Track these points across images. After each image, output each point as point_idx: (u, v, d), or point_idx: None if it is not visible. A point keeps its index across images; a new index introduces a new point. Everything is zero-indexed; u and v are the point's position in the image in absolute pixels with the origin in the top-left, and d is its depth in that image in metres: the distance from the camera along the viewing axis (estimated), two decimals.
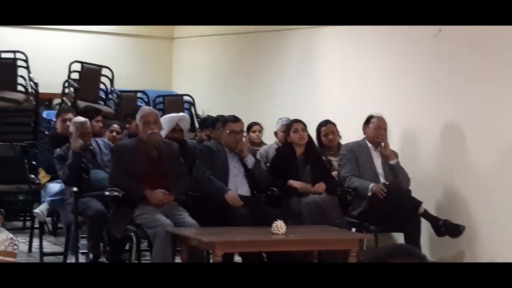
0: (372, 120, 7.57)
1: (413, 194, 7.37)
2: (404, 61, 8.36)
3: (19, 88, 10.54)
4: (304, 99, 9.75)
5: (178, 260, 6.58)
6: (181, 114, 8.72)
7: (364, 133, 7.66)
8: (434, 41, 7.91)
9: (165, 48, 12.95)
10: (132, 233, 6.63)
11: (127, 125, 8.42)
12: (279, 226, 6.27)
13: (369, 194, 7.23)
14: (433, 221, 7.25)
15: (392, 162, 7.53)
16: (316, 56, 9.83)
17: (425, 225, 7.28)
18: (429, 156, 7.95)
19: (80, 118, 7.56)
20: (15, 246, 5.61)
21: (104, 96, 11.26)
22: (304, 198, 7.14)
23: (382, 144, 7.54)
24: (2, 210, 5.93)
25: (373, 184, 7.28)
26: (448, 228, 7.16)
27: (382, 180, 7.41)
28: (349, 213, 7.40)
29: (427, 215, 7.26)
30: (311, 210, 7.03)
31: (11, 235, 5.64)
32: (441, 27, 7.74)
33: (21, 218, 9.48)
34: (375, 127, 7.54)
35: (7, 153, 9.13)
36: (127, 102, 10.96)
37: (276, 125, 8.73)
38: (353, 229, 7.34)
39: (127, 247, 7.24)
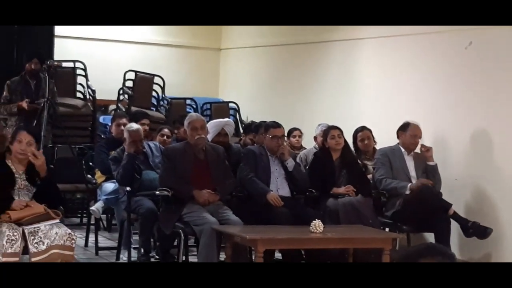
0: (409, 127, 7.53)
1: (444, 197, 7.32)
2: (436, 71, 8.31)
3: (78, 95, 10.64)
4: (342, 106, 9.72)
5: (222, 256, 6.59)
6: (226, 119, 8.75)
7: (398, 138, 7.62)
8: (465, 52, 7.86)
9: (212, 59, 12.98)
10: (180, 230, 6.65)
11: (176, 131, 8.45)
12: (317, 225, 6.26)
13: (407, 192, 7.20)
14: (462, 222, 7.19)
15: (432, 163, 7.52)
16: (354, 66, 9.80)
17: (454, 226, 7.22)
18: (459, 161, 7.89)
19: (133, 126, 7.58)
20: (73, 241, 5.67)
21: (156, 103, 11.32)
22: (340, 199, 7.13)
23: (420, 149, 7.54)
24: (61, 207, 6.01)
25: (411, 183, 7.26)
26: (476, 230, 7.09)
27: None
28: (383, 214, 7.37)
29: (456, 216, 7.20)
30: (347, 211, 7.01)
31: (69, 231, 5.71)
32: (472, 39, 7.73)
33: (79, 215, 9.57)
34: (411, 135, 7.51)
35: (66, 155, 9.24)
36: (177, 108, 11.01)
37: (316, 131, 8.71)
38: (387, 229, 7.31)
39: (175, 243, 7.28)
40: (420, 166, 7.54)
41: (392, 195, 7.30)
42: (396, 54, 8.98)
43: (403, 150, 7.55)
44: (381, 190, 7.36)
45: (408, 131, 7.53)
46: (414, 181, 7.40)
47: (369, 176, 7.65)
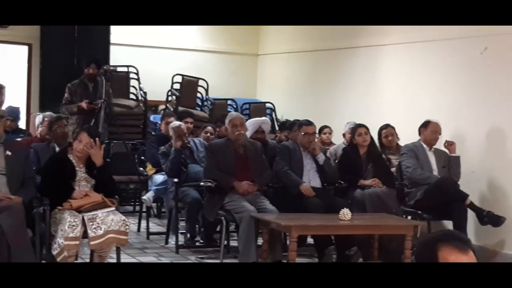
0: (430, 124, 7.50)
1: (461, 188, 7.26)
2: (453, 74, 8.25)
3: (131, 96, 10.71)
4: (368, 106, 9.68)
5: (260, 241, 6.61)
6: (263, 118, 8.77)
7: (420, 135, 7.59)
8: (480, 57, 7.80)
9: (251, 63, 12.99)
10: (222, 217, 6.68)
11: (218, 129, 8.49)
12: (345, 213, 6.26)
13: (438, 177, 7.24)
14: (478, 211, 7.14)
15: (455, 155, 7.51)
16: (378, 70, 9.77)
17: (471, 215, 7.16)
18: (476, 155, 7.81)
19: (176, 123, 7.65)
20: (127, 226, 5.72)
21: (200, 103, 11.37)
22: (367, 190, 7.11)
23: (444, 143, 7.57)
24: (117, 196, 6.06)
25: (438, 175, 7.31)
26: (490, 218, 7.03)
27: None
28: (406, 203, 7.34)
29: (472, 206, 7.15)
30: (373, 201, 6.99)
31: (124, 217, 5.76)
32: (487, 45, 7.68)
33: (132, 203, 9.64)
34: (432, 131, 7.48)
35: (121, 150, 9.32)
36: (219, 108, 11.05)
37: (344, 128, 8.71)
38: (409, 217, 7.27)
39: (218, 229, 7.32)
40: (441, 161, 7.50)
41: (420, 183, 7.28)
42: (417, 59, 8.93)
43: (424, 146, 7.52)
44: (411, 178, 7.35)
45: (428, 128, 7.51)
46: (435, 173, 7.38)
47: (393, 169, 7.63)
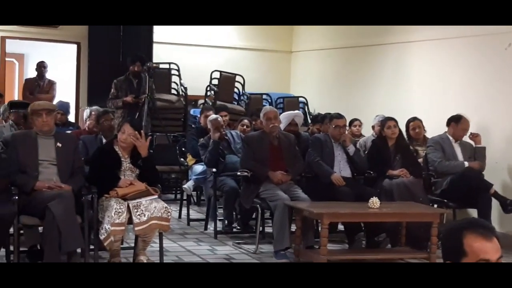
0: (461, 121, 7.44)
1: (486, 178, 7.18)
2: (478, 69, 8.17)
3: (173, 91, 10.77)
4: (396, 100, 9.62)
5: (293, 227, 6.60)
6: (296, 111, 8.75)
7: (448, 127, 7.51)
8: (505, 53, 7.72)
9: (285, 60, 12.97)
10: (258, 205, 6.69)
11: (254, 122, 8.49)
12: (374, 201, 6.23)
13: (466, 165, 7.19)
14: (502, 200, 7.06)
15: (481, 145, 7.44)
16: (406, 66, 9.70)
17: (495, 203, 7.08)
18: (499, 146, 7.73)
19: (213, 116, 7.68)
20: (169, 213, 5.76)
21: (237, 98, 11.39)
22: (395, 180, 7.05)
23: (469, 136, 7.52)
24: (159, 185, 6.10)
25: (468, 162, 7.24)
26: None
27: None
28: (432, 192, 7.27)
29: (496, 195, 7.07)
30: (401, 190, 6.93)
31: (166, 205, 5.79)
32: (511, 41, 7.58)
33: (173, 192, 9.69)
34: (462, 128, 7.45)
35: (163, 142, 9.38)
36: (254, 102, 11.05)
37: (373, 121, 8.65)
38: (435, 206, 7.21)
39: (254, 216, 7.33)
40: (467, 152, 7.43)
41: (449, 173, 7.20)
42: (443, 55, 8.85)
43: (451, 138, 7.45)
44: (438, 171, 7.29)
45: (459, 124, 7.43)
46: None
47: (420, 160, 7.56)
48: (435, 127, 7.88)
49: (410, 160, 7.35)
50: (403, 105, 9.29)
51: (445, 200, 7.10)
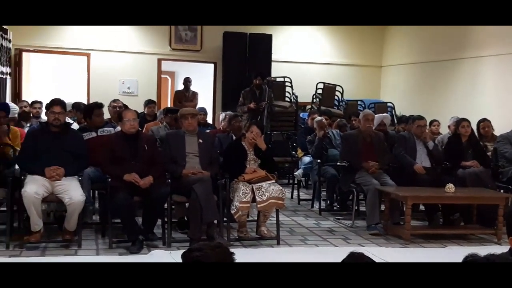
0: None
1: None
2: None
3: (286, 99, 10.85)
4: (469, 104, 9.29)
5: (382, 207, 6.49)
6: (385, 114, 8.60)
7: None
8: None
9: (376, 72, 12.75)
10: (354, 189, 6.63)
11: (348, 124, 8.42)
12: (450, 187, 6.04)
13: None
14: None
15: None
16: (478, 77, 9.35)
17: None
18: None
19: (318, 118, 7.69)
20: (284, 194, 5.79)
21: (337, 103, 11.32)
22: (467, 170, 6.78)
23: None
24: (276, 172, 6.15)
25: None
26: None
27: None
28: (500, 180, 6.92)
29: None
30: (472, 178, 6.66)
31: (281, 188, 5.82)
32: None
33: (287, 178, 9.72)
34: None
35: (279, 138, 9.46)
36: (351, 107, 10.95)
37: (449, 121, 8.37)
38: (501, 191, 6.85)
39: (350, 197, 7.26)
40: None
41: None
42: (509, 67, 8.41)
43: None
44: (508, 158, 6.88)
45: None
46: None
47: (488, 153, 7.23)
48: (501, 127, 7.53)
49: (480, 153, 7.04)
50: (474, 108, 8.97)
51: (510, 187, 6.74)
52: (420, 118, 7.05)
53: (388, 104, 11.35)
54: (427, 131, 7.25)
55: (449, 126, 8.37)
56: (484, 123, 7.62)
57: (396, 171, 6.90)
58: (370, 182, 6.40)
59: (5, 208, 5.36)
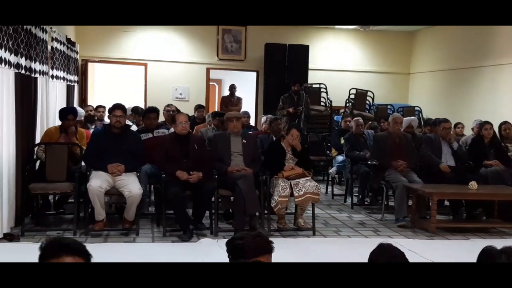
0: None
1: None
2: None
3: (322, 103, 10.79)
4: (491, 108, 9.05)
5: (410, 202, 6.38)
6: (413, 117, 8.44)
7: None
8: None
9: (404, 79, 12.56)
10: (383, 185, 6.55)
11: (381, 125, 8.31)
12: (473, 184, 5.91)
13: None
14: None
15: None
16: (498, 83, 9.08)
17: None
18: None
19: (355, 118, 7.64)
20: (319, 190, 5.76)
21: (368, 108, 11.19)
22: (489, 168, 6.61)
23: None
24: (312, 170, 6.13)
25: None
26: None
27: None
28: None
29: None
30: (494, 176, 6.49)
31: (317, 183, 5.80)
32: None
33: (322, 175, 9.66)
34: None
35: (315, 139, 9.41)
36: (381, 111, 10.79)
37: (473, 124, 8.20)
38: None
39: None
40: None
41: None
42: None
43: None
44: None
45: None
46: None
47: (510, 154, 7.02)
48: None
49: (502, 153, 6.85)
50: (496, 112, 8.73)
51: None
52: (446, 121, 6.92)
53: (416, 108, 11.16)
54: (452, 133, 7.10)
55: (472, 128, 8.18)
56: (506, 125, 7.42)
57: (423, 169, 6.79)
58: (398, 179, 6.31)
59: (72, 200, 5.53)
